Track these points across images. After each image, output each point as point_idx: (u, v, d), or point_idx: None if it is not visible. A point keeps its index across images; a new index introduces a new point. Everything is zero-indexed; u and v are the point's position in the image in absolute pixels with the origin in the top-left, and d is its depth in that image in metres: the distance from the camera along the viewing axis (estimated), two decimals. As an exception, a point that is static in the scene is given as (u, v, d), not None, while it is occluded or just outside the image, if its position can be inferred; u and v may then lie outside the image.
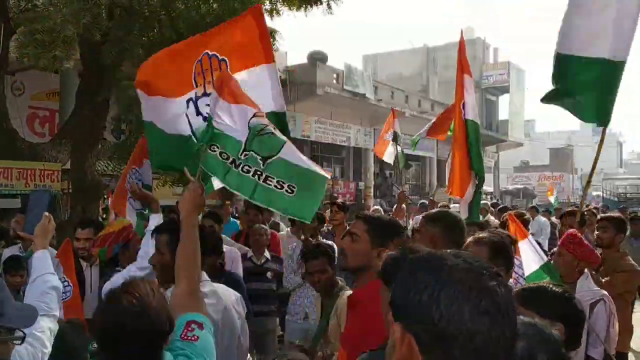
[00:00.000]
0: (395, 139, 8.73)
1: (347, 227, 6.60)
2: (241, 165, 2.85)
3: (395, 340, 1.05)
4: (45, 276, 2.66)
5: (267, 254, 5.74)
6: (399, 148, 8.66)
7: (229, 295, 2.98)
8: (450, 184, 5.06)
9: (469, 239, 2.91)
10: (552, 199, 20.28)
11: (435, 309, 0.99)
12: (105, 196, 9.84)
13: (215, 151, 2.91)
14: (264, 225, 6.03)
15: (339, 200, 7.33)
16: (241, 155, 2.88)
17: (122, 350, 1.76)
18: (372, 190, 26.34)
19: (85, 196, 8.48)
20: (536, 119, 61.15)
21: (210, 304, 2.69)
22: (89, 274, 4.79)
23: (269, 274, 5.60)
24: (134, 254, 3.68)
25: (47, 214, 2.95)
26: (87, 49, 7.54)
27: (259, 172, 2.82)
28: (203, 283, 2.75)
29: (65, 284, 4.23)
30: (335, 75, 21.58)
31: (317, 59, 21.18)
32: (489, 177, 39.36)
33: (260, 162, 2.84)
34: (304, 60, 21.52)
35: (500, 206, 13.16)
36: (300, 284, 5.20)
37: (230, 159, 2.89)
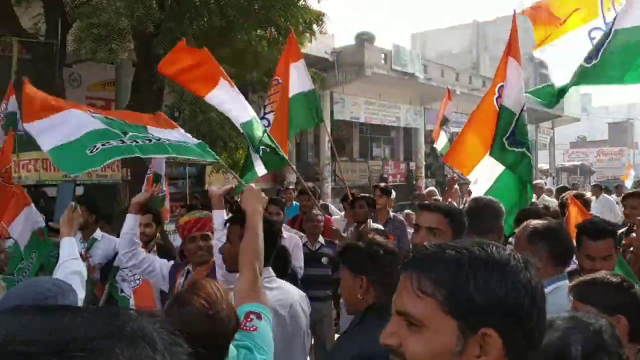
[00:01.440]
0: (444, 123, 8.54)
1: (390, 211, 6.60)
2: None
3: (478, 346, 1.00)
4: (69, 262, 2.79)
5: (321, 239, 5.78)
6: (447, 134, 8.49)
7: (294, 293, 2.99)
8: (460, 160, 4.97)
9: (518, 230, 2.87)
10: (628, 183, 16.91)
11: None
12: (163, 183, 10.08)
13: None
14: (317, 212, 6.06)
15: (382, 184, 7.29)
16: None
17: (192, 350, 1.80)
18: (423, 170, 26.05)
19: (143, 183, 8.73)
20: (593, 93, 58.66)
21: (278, 299, 2.73)
22: (148, 260, 4.90)
23: (324, 260, 5.63)
24: None
25: (72, 203, 3.08)
26: (140, 40, 7.71)
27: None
28: (270, 279, 2.79)
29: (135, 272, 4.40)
30: (383, 56, 21.32)
31: (365, 39, 20.96)
32: (544, 154, 38.30)
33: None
34: (351, 41, 21.35)
35: (559, 186, 12.73)
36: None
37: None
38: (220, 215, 3.47)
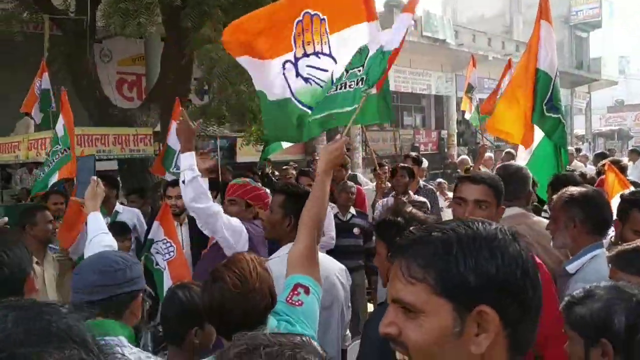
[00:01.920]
0: (469, 90, 8.35)
1: (420, 180, 6.54)
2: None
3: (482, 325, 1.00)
4: (100, 236, 2.82)
5: (352, 210, 5.78)
6: (474, 102, 8.30)
7: (333, 265, 2.96)
8: (504, 130, 4.85)
9: (556, 196, 2.82)
10: None
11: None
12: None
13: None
14: (350, 182, 6.05)
15: (413, 154, 7.21)
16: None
17: (227, 324, 1.82)
18: (455, 138, 25.72)
19: (175, 157, 8.82)
20: (631, 55, 56.70)
21: None
22: (179, 232, 4.90)
23: (355, 230, 5.65)
24: None
25: (94, 177, 3.10)
26: (168, 13, 7.70)
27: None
28: None
29: (168, 244, 4.47)
30: (413, 22, 20.93)
31: (394, 6, 20.59)
32: (580, 119, 37.39)
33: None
34: (380, 8, 20.99)
35: (597, 152, 12.40)
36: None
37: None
38: (188, 158, 3.24)
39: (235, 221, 3.36)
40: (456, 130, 26.12)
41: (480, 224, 1.05)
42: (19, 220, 4.29)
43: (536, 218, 3.23)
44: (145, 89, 12.83)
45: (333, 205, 5.78)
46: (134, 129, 8.04)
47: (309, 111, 3.39)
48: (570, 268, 2.60)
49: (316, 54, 3.39)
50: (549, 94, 4.52)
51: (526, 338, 1.03)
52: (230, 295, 1.80)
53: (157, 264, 4.48)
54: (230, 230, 3.27)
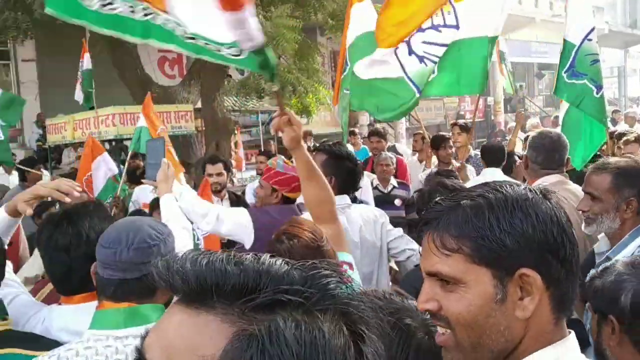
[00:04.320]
0: (502, 58, 7.99)
1: (471, 148, 6.37)
2: None
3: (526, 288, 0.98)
4: (174, 218, 2.82)
5: (393, 181, 5.70)
6: (505, 69, 7.96)
7: (368, 212, 3.03)
8: None
9: (590, 166, 2.51)
10: None
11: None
12: (235, 132, 10.24)
13: None
14: (389, 153, 5.96)
15: (461, 121, 7.02)
16: None
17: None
18: (502, 105, 25.04)
19: (217, 133, 8.92)
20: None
21: (352, 221, 2.77)
22: (221, 208, 5.03)
23: (397, 201, 5.57)
24: None
25: (165, 160, 3.10)
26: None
27: None
28: (344, 206, 2.87)
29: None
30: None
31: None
32: (634, 80, 35.82)
33: None
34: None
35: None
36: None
37: None
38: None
39: (239, 217, 3.24)
40: (502, 97, 25.42)
41: (507, 186, 1.02)
42: None
43: (573, 185, 3.03)
44: (186, 66, 12.94)
45: (372, 175, 5.71)
46: (174, 106, 8.12)
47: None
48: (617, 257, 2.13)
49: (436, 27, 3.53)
50: (570, 60, 4.25)
51: (569, 296, 1.01)
52: (308, 250, 1.81)
53: (198, 238, 4.52)
54: (235, 229, 3.20)
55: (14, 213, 2.01)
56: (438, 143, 5.84)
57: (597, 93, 4.13)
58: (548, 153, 2.94)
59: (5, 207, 2.04)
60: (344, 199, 2.94)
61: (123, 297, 1.55)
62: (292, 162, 3.39)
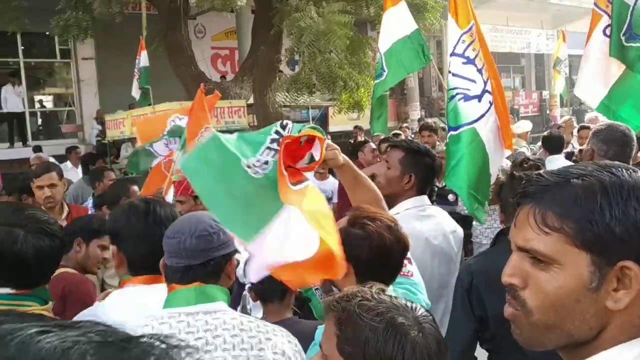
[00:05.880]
0: (557, 64, 7.73)
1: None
2: None
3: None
4: None
5: (447, 175, 5.63)
6: (562, 74, 7.70)
7: (447, 222, 2.88)
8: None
9: None
10: None
11: None
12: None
13: None
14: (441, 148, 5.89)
15: (430, 120, 6.90)
16: None
17: (387, 267, 1.85)
18: (558, 99, 24.32)
19: (269, 128, 8.99)
20: None
21: (429, 228, 2.66)
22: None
23: (450, 196, 5.50)
24: None
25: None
26: (257, -15, 7.77)
27: None
28: (423, 207, 2.74)
29: None
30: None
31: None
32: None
33: None
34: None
35: None
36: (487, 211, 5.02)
37: None
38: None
39: None
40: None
41: (624, 170, 0.95)
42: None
43: None
44: (238, 62, 13.11)
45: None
46: (228, 102, 8.25)
47: None
48: None
49: None
50: (627, 21, 4.05)
51: None
52: (386, 231, 1.82)
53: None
54: None
55: None
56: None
57: None
58: (619, 147, 2.89)
59: None
60: (422, 200, 2.75)
61: (190, 282, 1.69)
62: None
